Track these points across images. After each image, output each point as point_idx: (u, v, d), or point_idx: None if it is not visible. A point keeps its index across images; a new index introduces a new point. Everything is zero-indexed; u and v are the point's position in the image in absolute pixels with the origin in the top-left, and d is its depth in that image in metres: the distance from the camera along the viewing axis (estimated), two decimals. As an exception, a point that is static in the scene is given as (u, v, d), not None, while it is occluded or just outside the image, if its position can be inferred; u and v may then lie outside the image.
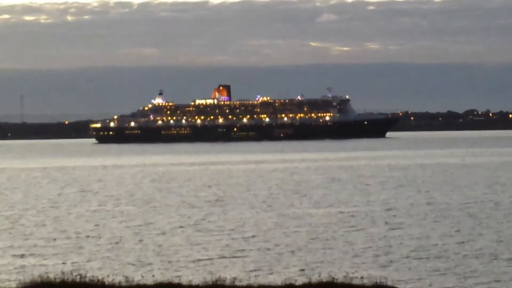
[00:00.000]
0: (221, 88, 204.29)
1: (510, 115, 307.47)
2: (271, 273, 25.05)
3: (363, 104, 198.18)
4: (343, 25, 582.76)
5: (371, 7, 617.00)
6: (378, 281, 18.89)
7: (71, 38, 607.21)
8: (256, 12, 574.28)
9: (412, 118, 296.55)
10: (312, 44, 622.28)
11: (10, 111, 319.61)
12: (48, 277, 18.30)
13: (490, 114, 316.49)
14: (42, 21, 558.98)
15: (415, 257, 29.53)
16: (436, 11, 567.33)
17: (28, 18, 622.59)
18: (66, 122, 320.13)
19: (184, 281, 19.85)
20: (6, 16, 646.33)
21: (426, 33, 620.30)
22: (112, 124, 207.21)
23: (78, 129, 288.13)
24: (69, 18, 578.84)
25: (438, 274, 26.02)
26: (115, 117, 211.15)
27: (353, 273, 22.26)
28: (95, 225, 42.34)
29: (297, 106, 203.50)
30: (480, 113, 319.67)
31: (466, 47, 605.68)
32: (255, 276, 23.21)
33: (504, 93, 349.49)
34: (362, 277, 20.83)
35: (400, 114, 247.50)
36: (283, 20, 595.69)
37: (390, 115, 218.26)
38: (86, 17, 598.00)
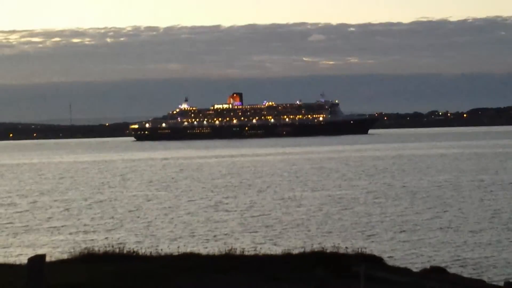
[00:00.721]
0: (235, 95, 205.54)
1: (465, 115, 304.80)
2: (274, 245, 24.97)
3: (348, 107, 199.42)
4: (329, 43, 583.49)
5: (351, 29, 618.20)
6: (360, 250, 19.12)
7: (110, 56, 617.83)
8: (259, 33, 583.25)
9: (386, 118, 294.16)
10: (304, 59, 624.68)
11: (61, 116, 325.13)
12: (93, 249, 18.03)
13: (449, 114, 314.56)
14: (87, 42, 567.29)
15: (391, 231, 29.45)
16: (405, 31, 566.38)
17: (75, 40, 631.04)
18: (107, 124, 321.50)
19: (203, 251, 19.89)
20: (57, 39, 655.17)
21: (396, 49, 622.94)
22: (147, 125, 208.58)
23: (116, 130, 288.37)
24: (108, 40, 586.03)
25: (410, 244, 25.90)
26: (150, 119, 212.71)
27: (339, 243, 21.54)
28: (134, 207, 42.20)
29: (296, 109, 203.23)
30: (440, 113, 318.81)
31: (429, 60, 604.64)
32: (260, 247, 22.62)
33: (459, 97, 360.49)
34: (346, 247, 19.85)
35: (377, 115, 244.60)
36: (281, 40, 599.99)
37: (369, 116, 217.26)
38: (122, 39, 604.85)
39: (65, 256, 19.97)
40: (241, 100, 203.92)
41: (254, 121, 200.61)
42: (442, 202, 40.61)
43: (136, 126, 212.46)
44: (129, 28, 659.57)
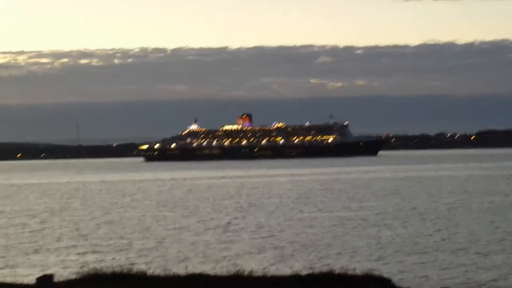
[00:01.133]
0: (244, 116, 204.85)
1: (472, 138, 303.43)
2: (283, 266, 24.72)
3: (356, 129, 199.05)
4: (336, 66, 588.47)
5: (358, 51, 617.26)
6: (368, 271, 18.34)
7: (117, 77, 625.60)
8: (266, 55, 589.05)
9: (394, 139, 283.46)
10: (311, 81, 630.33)
11: (68, 136, 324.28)
12: (101, 269, 18.37)
13: (456, 137, 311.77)
14: (94, 63, 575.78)
15: (401, 253, 29.39)
16: (412, 53, 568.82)
17: (82, 61, 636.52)
18: (114, 145, 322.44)
19: (211, 272, 19.65)
20: (65, 60, 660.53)
21: (403, 71, 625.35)
22: (156, 145, 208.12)
23: (124, 150, 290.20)
24: (116, 61, 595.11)
25: (420, 266, 25.62)
26: (159, 140, 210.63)
27: (348, 264, 21.85)
28: (143, 228, 42.14)
29: (306, 130, 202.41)
30: (448, 135, 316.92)
31: (436, 82, 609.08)
32: (269, 268, 22.52)
33: (467, 119, 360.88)
34: (355, 268, 19.86)
35: (384, 137, 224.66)
36: (288, 62, 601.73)
37: (377, 137, 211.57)
38: (130, 60, 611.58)
39: (73, 276, 19.62)
40: (250, 121, 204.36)
41: (263, 142, 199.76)
42: (452, 224, 40.10)
43: (146, 147, 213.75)
44: (136, 49, 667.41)
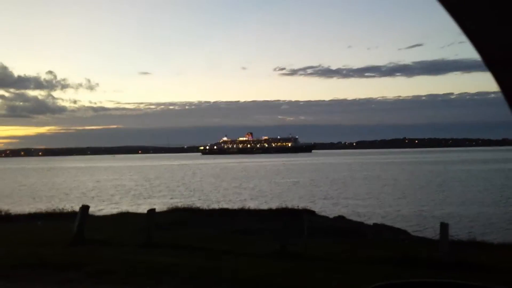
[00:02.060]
0: (248, 133, 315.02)
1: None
2: (266, 205, 33.73)
3: (302, 140, 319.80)
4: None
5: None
6: (305, 207, 31.45)
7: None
8: (247, 107, 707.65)
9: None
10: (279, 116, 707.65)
11: (160, 143, 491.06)
12: (176, 205, 27.99)
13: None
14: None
15: (321, 199, 42.00)
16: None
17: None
18: (185, 147, 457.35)
19: (235, 207, 29.41)
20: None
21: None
22: (207, 147, 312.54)
23: (191, 150, 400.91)
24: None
25: (330, 203, 37.20)
26: (208, 144, 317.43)
27: (295, 204, 32.63)
28: (201, 186, 58.85)
29: (279, 140, 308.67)
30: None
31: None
32: (257, 206, 31.88)
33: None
34: (298, 206, 30.20)
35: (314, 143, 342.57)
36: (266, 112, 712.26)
37: (313, 144, 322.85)
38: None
39: (164, 209, 26.44)
40: (252, 136, 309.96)
41: (258, 145, 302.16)
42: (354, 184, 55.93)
43: (202, 148, 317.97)
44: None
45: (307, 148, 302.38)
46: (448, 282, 1.85)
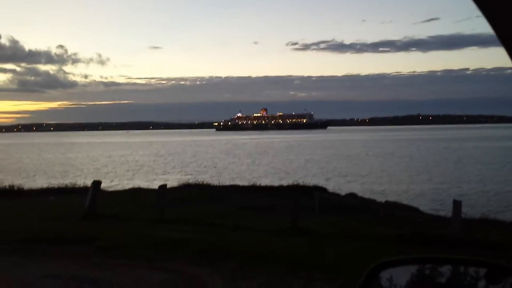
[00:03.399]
0: (263, 109, 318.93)
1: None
2: (278, 182, 34.59)
3: (317, 116, 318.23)
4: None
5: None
6: (316, 184, 32.02)
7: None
8: (269, 81, 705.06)
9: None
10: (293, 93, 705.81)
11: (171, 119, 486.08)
12: (188, 181, 28.88)
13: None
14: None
15: (333, 177, 43.39)
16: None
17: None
18: (196, 123, 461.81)
19: (242, 184, 30.66)
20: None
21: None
22: (222, 123, 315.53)
23: (201, 126, 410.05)
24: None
25: (338, 182, 38.76)
26: (222, 121, 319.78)
27: (305, 181, 32.44)
28: (213, 161, 61.07)
29: (293, 116, 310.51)
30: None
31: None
32: (268, 183, 33.34)
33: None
34: (309, 183, 31.77)
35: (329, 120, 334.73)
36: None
37: (327, 121, 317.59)
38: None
39: (175, 185, 27.68)
40: (266, 112, 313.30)
41: (272, 122, 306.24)
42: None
43: (216, 124, 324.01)
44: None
45: (322, 125, 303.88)
46: (445, 257, 1.90)
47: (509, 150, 69.71)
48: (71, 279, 7.36)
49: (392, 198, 27.67)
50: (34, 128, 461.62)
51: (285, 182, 31.44)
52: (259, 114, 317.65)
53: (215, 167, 52.29)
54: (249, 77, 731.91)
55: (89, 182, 17.35)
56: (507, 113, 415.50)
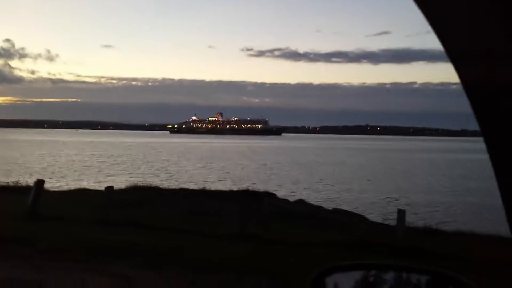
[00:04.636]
0: (219, 113, 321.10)
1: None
2: (228, 187, 34.72)
3: (272, 122, 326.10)
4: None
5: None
6: (266, 190, 33.37)
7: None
8: (226, 85, 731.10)
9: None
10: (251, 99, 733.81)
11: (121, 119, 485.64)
12: (137, 183, 28.03)
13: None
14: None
15: (281, 184, 43.38)
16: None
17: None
18: (147, 124, 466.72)
19: (195, 188, 30.32)
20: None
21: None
22: (176, 126, 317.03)
23: (152, 128, 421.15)
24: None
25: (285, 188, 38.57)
26: (177, 124, 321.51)
27: (255, 187, 32.99)
28: (161, 167, 59.60)
29: (248, 122, 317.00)
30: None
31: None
32: (219, 187, 33.16)
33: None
34: (259, 189, 30.97)
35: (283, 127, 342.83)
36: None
37: (281, 127, 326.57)
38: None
39: (123, 187, 26.31)
40: (222, 116, 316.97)
41: (227, 126, 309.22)
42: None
43: (170, 126, 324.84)
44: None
45: (277, 131, 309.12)
46: (389, 264, 1.94)
47: (455, 162, 72.41)
48: (4, 280, 7.01)
49: (340, 205, 28.11)
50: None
51: (235, 187, 31.35)
52: (214, 118, 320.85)
53: (166, 170, 51.82)
54: (202, 81, 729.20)
55: (32, 182, 16.72)
56: (451, 127, 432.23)
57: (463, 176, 50.48)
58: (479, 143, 1.34)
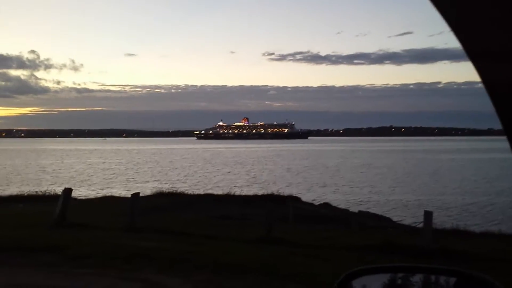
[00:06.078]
0: (244, 118, 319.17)
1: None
2: (250, 191, 35.49)
3: (298, 126, 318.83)
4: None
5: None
6: (290, 194, 30.17)
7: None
8: (251, 91, 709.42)
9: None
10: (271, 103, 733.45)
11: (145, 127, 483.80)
12: (161, 189, 28.62)
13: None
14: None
15: (308, 188, 42.70)
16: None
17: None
18: (170, 131, 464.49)
19: (218, 193, 29.97)
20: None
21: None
22: (203, 132, 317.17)
23: (176, 134, 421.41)
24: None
25: (309, 191, 38.01)
26: (203, 129, 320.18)
27: (280, 191, 32.23)
28: (189, 173, 59.48)
29: (274, 126, 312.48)
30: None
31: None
32: (243, 192, 32.82)
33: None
34: (283, 192, 30.73)
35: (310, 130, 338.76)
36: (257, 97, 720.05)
37: (308, 130, 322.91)
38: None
39: (149, 193, 27.40)
40: (248, 121, 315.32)
41: (254, 131, 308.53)
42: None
43: (197, 132, 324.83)
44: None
45: (303, 135, 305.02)
46: (416, 266, 1.92)
47: (483, 162, 71.05)
48: (38, 289, 7.13)
49: (366, 208, 27.83)
50: (4, 134, 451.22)
51: (260, 192, 31.35)
52: (240, 123, 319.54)
53: (193, 176, 52.09)
54: (225, 86, 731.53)
55: (60, 190, 16.98)
56: (477, 126, 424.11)
57: (492, 177, 49.45)
58: (505, 142, 1.30)
